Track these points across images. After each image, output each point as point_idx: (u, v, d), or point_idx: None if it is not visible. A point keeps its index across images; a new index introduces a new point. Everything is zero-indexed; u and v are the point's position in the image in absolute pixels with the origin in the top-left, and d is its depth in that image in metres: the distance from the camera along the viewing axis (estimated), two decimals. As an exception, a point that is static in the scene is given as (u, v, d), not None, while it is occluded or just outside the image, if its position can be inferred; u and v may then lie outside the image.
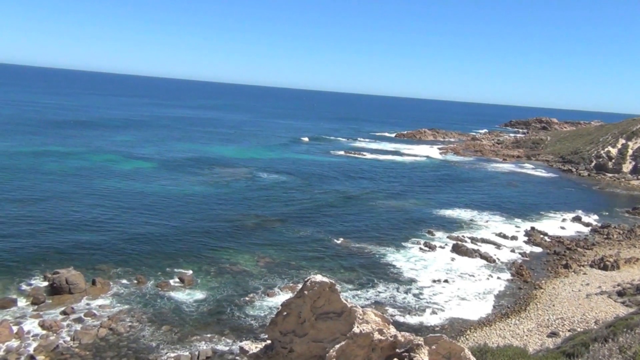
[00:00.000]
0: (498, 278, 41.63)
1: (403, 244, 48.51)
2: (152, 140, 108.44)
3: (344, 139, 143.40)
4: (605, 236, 56.11)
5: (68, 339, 27.42)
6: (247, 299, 34.25)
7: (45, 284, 33.25)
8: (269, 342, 10.55)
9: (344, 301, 10.02)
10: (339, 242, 47.68)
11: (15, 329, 27.55)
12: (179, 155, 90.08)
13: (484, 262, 45.12)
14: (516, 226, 58.26)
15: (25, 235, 41.80)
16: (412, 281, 39.55)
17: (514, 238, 53.18)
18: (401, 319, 32.87)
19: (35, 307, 30.64)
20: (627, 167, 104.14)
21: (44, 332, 27.85)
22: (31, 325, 28.41)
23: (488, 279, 41.34)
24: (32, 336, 27.36)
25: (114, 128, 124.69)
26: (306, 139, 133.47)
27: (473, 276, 41.65)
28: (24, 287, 32.96)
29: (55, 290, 32.27)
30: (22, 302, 31.01)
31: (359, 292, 36.81)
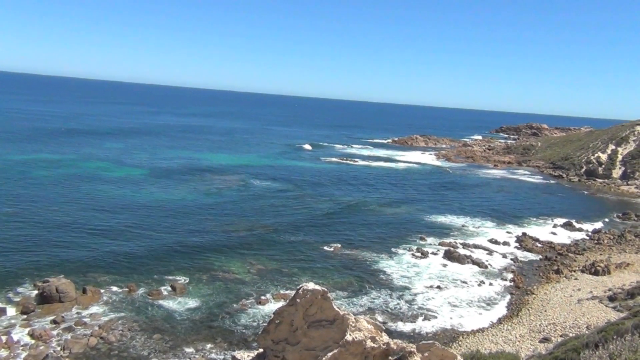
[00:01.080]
0: (490, 284, 41.74)
1: (396, 250, 48.55)
2: (144, 147, 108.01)
3: (336, 146, 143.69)
4: (596, 241, 56.48)
5: (58, 348, 27.13)
6: (239, 306, 34.10)
7: (35, 292, 32.89)
8: (261, 350, 10.51)
9: (337, 309, 10.01)
10: (331, 249, 47.63)
11: (4, 338, 27.24)
12: (171, 163, 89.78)
13: (476, 268, 45.25)
14: (508, 232, 58.52)
15: (14, 243, 41.42)
16: (404, 288, 39.56)
17: (505, 244, 53.43)
18: (394, 326, 32.86)
19: (25, 316, 30.32)
20: (617, 172, 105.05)
21: (34, 341, 27.57)
22: (20, 335, 28.11)
23: (480, 285, 41.45)
24: (22, 346, 27.04)
25: (105, 135, 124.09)
26: (308, 147, 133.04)
27: (465, 282, 41.74)
28: (13, 295, 32.63)
29: (45, 299, 31.92)
30: (11, 311, 30.68)
31: (351, 299, 36.75)
